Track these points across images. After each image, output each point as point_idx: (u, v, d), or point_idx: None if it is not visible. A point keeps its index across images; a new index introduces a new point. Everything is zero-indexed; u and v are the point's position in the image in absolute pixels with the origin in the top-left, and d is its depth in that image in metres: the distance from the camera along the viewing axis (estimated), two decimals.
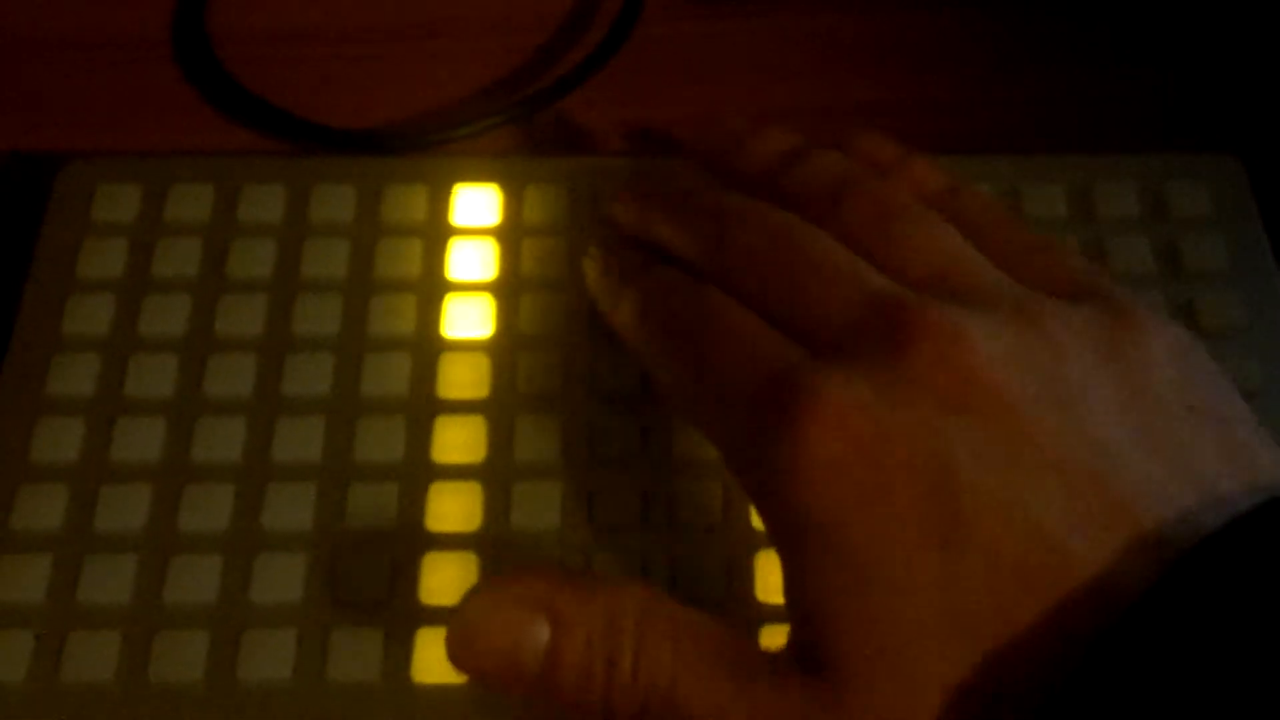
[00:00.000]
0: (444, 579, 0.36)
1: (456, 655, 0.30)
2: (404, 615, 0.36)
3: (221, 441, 0.38)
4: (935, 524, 0.28)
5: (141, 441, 0.38)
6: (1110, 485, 0.28)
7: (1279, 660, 0.24)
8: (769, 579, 0.36)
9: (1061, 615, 0.27)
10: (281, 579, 0.36)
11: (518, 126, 0.46)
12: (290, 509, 0.37)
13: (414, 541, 0.37)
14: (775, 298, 0.33)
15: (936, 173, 0.37)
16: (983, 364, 0.29)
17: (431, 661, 0.35)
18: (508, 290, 0.41)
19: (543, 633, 0.30)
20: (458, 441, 0.38)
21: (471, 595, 0.30)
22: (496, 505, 0.37)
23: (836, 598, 0.28)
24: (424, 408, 0.39)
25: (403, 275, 0.41)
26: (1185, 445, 0.29)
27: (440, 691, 0.35)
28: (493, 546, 0.37)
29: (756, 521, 0.37)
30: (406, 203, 0.42)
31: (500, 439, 0.38)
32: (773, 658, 0.30)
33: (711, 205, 0.35)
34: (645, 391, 0.39)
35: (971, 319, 0.30)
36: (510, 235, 0.42)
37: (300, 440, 0.38)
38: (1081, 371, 0.30)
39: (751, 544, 0.37)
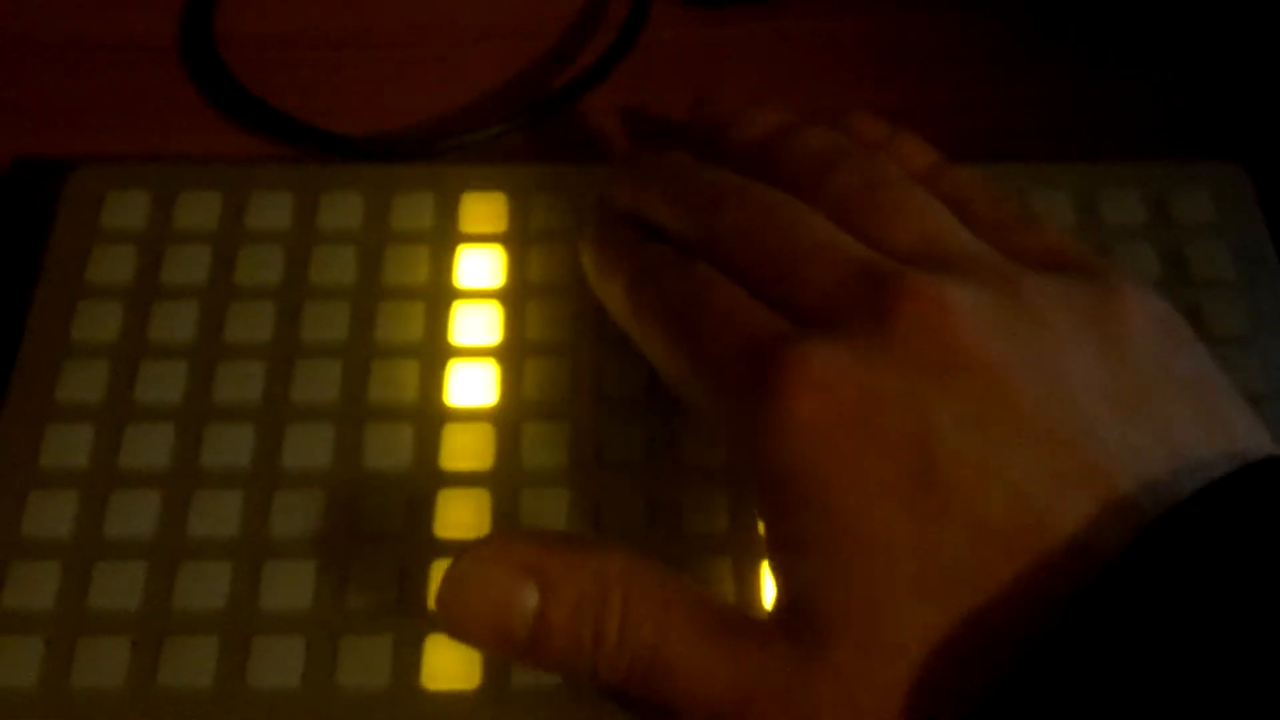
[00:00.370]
0: None
1: (445, 619, 0.31)
2: (413, 622, 0.36)
3: (230, 447, 0.38)
4: (915, 486, 0.29)
5: (151, 447, 0.38)
6: (1090, 451, 0.29)
7: (1250, 621, 0.25)
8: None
9: (1039, 576, 0.28)
10: (291, 585, 0.36)
11: (525, 133, 0.46)
12: (299, 515, 0.37)
13: (423, 548, 0.37)
14: (764, 273, 0.33)
15: (925, 150, 0.38)
16: (966, 331, 0.30)
17: (441, 668, 0.35)
18: (515, 297, 0.41)
19: (531, 597, 0.30)
20: (466, 448, 0.38)
21: (460, 559, 0.31)
22: (504, 512, 0.37)
23: (818, 559, 0.29)
24: (432, 415, 0.39)
25: (410, 282, 0.41)
26: (1163, 413, 0.30)
27: (449, 698, 0.35)
28: None
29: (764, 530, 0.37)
30: (414, 210, 0.43)
31: (508, 446, 0.39)
32: (756, 620, 0.30)
33: (703, 183, 0.36)
34: (652, 398, 0.39)
35: (955, 287, 0.30)
36: (518, 242, 0.42)
37: (308, 446, 0.38)
38: (1063, 340, 0.30)
39: (758, 552, 0.37)
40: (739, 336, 0.32)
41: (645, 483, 0.38)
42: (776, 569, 0.31)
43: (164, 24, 0.49)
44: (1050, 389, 0.29)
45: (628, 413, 0.39)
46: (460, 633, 0.31)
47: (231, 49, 0.48)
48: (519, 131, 0.46)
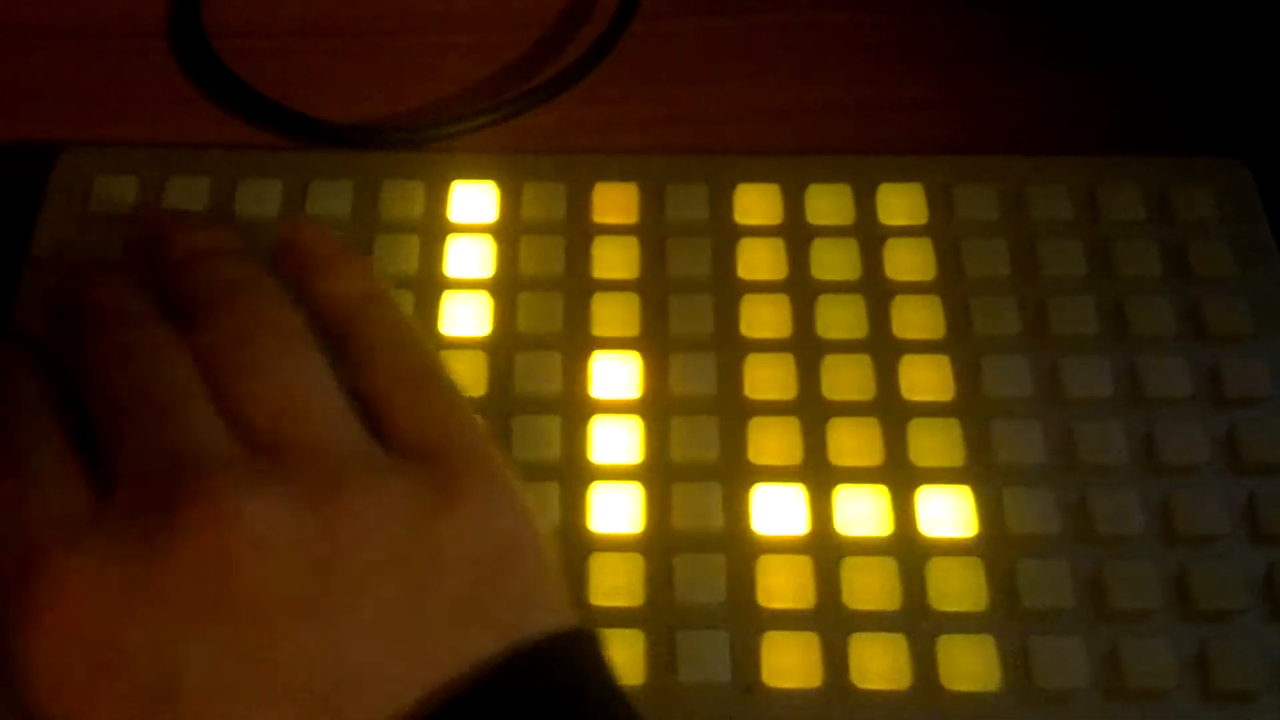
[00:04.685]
0: None
1: None
2: None
3: None
4: None
5: None
6: (344, 711, 0.27)
7: None
8: (770, 584, 0.36)
9: None
10: None
11: (516, 122, 0.46)
12: None
13: None
14: (101, 425, 0.30)
15: (361, 279, 0.34)
16: (244, 559, 0.28)
17: None
18: (505, 288, 0.41)
19: None
20: None
21: None
22: None
23: None
24: None
25: (400, 271, 0.41)
26: (453, 642, 0.28)
27: None
28: None
29: (758, 526, 0.37)
30: (404, 199, 0.42)
31: (497, 437, 0.38)
32: None
33: (87, 308, 0.33)
34: (644, 393, 0.39)
35: (256, 502, 0.28)
36: (508, 233, 0.42)
37: None
38: (353, 577, 0.28)
39: (753, 549, 0.37)
40: (32, 512, 0.29)
41: (638, 478, 0.38)
42: None
43: (154, 11, 0.49)
44: (320, 635, 0.28)
45: (618, 407, 0.39)
46: None
47: (221, 37, 0.48)
48: (509, 121, 0.45)
